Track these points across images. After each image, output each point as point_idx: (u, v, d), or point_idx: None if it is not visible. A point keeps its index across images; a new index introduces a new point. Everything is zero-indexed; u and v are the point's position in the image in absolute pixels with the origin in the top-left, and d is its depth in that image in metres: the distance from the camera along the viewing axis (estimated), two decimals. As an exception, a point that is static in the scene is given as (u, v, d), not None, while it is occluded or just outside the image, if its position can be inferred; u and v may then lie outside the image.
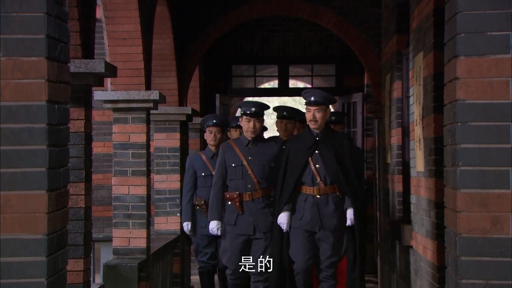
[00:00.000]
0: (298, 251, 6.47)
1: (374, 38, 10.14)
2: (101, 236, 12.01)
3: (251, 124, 6.76)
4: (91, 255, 5.61)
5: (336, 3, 10.23)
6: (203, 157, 8.11)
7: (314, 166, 6.47)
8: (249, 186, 6.77)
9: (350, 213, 6.51)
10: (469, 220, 2.93)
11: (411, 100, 7.19)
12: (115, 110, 7.08)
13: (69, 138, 3.18)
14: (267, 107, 6.96)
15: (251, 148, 6.84)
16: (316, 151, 6.50)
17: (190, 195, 8.08)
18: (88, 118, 5.38)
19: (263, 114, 6.86)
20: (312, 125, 6.51)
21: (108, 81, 7.22)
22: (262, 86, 15.38)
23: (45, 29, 2.83)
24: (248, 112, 6.74)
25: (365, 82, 12.18)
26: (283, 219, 6.47)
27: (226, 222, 6.81)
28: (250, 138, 6.84)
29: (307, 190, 6.49)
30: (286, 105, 7.79)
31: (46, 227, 2.84)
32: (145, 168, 7.09)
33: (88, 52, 5.51)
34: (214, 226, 6.85)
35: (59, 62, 2.97)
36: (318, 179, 6.46)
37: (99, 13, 7.31)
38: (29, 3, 2.83)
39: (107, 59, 7.05)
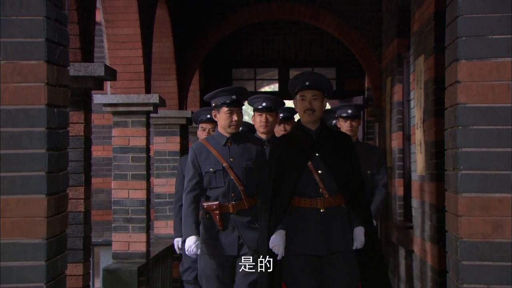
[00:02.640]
0: (298, 283, 4.98)
1: (374, 42, 10.15)
2: (101, 240, 12.00)
3: (235, 116, 5.42)
4: (91, 259, 5.59)
5: (337, 6, 10.24)
6: None
7: (316, 172, 4.97)
8: (233, 195, 5.39)
9: (359, 233, 5.01)
10: (470, 224, 2.92)
11: (412, 103, 7.18)
12: (115, 113, 7.08)
13: (69, 142, 3.16)
14: (247, 93, 5.79)
15: (230, 147, 5.46)
16: (316, 154, 5.00)
17: (179, 206, 6.56)
18: (87, 122, 5.38)
19: (243, 103, 5.64)
20: (307, 117, 4.99)
21: (107, 84, 7.22)
22: (263, 89, 15.38)
23: (44, 33, 2.82)
24: (229, 101, 5.41)
25: (366, 86, 12.18)
26: (277, 241, 4.93)
27: (202, 240, 5.43)
28: (229, 134, 5.46)
29: (307, 203, 4.98)
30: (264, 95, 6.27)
31: (45, 231, 2.82)
32: (144, 172, 7.08)
33: (87, 55, 5.51)
34: (192, 243, 5.35)
35: (59, 66, 2.96)
36: (322, 189, 4.97)
37: (99, 16, 7.30)
38: (29, 6, 2.82)
39: (107, 63, 7.05)
